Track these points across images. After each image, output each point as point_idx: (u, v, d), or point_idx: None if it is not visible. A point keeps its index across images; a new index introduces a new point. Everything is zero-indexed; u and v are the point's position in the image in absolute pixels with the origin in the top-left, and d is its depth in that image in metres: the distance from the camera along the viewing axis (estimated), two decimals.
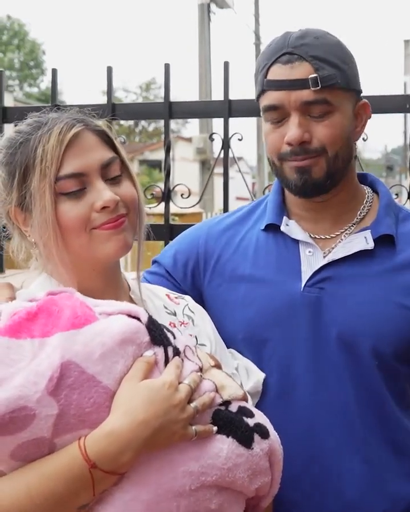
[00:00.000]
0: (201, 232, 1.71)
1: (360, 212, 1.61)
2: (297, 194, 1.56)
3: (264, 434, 1.19)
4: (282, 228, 1.58)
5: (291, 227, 1.58)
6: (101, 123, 1.32)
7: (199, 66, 14.38)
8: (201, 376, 1.16)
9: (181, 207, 2.52)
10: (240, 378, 1.45)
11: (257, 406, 1.40)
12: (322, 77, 1.46)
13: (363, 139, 2.33)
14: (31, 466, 1.07)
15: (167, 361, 1.14)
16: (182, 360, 1.16)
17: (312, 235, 1.59)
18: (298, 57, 1.47)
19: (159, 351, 1.13)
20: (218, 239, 1.67)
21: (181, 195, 2.50)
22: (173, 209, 2.51)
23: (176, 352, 1.16)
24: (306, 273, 1.54)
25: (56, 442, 1.06)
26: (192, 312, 1.46)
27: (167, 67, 2.46)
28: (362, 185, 1.67)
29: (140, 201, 1.33)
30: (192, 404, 1.12)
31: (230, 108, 2.43)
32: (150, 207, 2.59)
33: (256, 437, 1.17)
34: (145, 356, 1.12)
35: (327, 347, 1.51)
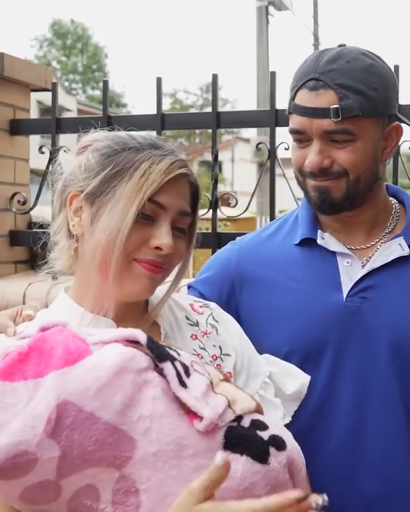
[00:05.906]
0: (232, 253, 1.72)
1: (390, 223, 1.64)
2: (316, 210, 1.61)
3: (280, 445, 1.15)
4: (319, 241, 1.60)
5: (327, 240, 1.60)
6: (196, 179, 1.35)
7: (257, 68, 14.26)
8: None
9: (228, 216, 2.55)
10: (274, 386, 1.44)
11: (298, 415, 1.40)
12: (343, 108, 1.46)
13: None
14: None
15: (178, 374, 1.11)
16: (190, 374, 1.13)
17: (348, 246, 1.61)
18: (323, 84, 1.48)
19: (167, 366, 1.10)
20: (250, 257, 1.68)
21: (228, 203, 2.52)
22: (224, 214, 2.52)
23: (184, 366, 1.13)
24: (346, 284, 1.56)
25: (62, 484, 1.04)
26: (216, 321, 1.44)
27: (214, 77, 2.50)
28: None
29: (185, 263, 1.35)
30: None
31: (277, 118, 2.46)
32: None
33: (272, 450, 1.13)
34: (217, 463, 0.99)
35: (375, 355, 1.52)
